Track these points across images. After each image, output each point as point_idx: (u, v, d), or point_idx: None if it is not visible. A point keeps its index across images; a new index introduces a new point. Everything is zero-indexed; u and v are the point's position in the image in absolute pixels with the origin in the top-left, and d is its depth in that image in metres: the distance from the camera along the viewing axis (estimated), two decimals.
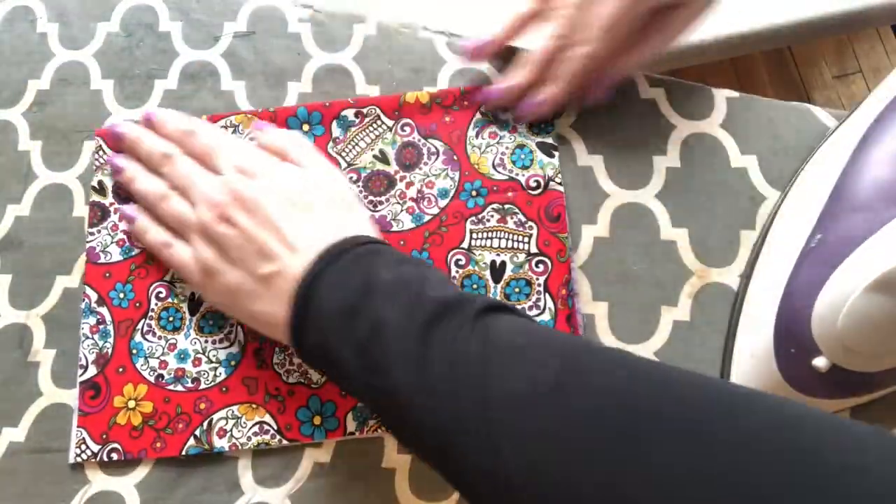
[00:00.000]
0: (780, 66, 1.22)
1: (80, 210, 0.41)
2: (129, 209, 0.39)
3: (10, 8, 0.45)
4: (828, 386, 0.33)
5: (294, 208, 0.33)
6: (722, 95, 0.41)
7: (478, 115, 0.40)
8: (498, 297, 0.37)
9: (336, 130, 0.40)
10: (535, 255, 0.38)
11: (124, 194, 0.40)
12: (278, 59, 0.42)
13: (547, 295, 0.37)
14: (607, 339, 0.37)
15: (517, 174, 0.39)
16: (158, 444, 0.36)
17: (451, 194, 0.39)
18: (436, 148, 0.39)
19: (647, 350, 0.37)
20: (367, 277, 0.30)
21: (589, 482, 0.22)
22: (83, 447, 0.36)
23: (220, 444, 0.36)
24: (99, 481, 0.36)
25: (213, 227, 0.34)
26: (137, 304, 0.38)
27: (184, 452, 0.36)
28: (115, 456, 0.36)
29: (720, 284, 0.38)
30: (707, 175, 0.39)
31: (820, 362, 0.31)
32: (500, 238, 0.38)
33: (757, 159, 0.39)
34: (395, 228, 0.38)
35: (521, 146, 0.39)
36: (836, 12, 0.64)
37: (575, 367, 0.25)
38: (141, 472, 0.36)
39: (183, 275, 0.36)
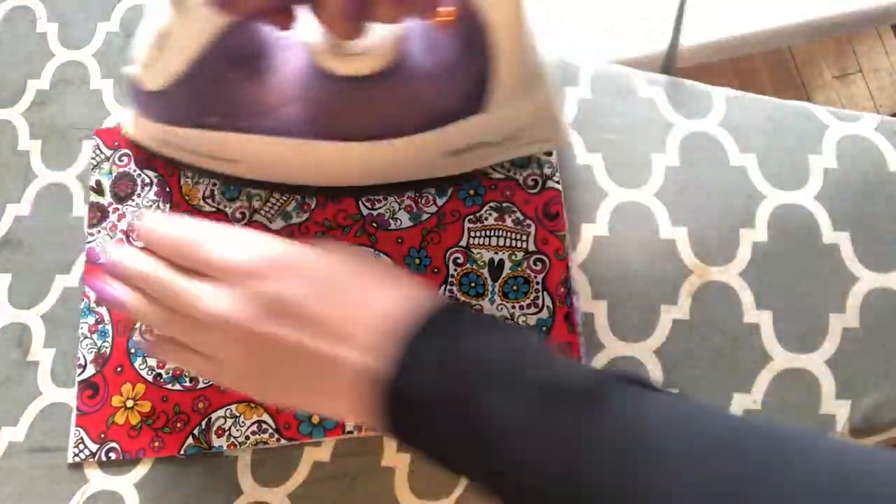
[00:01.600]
0: (780, 66, 1.22)
1: (80, 209, 0.41)
2: (146, 344, 0.34)
3: (10, 8, 0.45)
4: (155, 107, 0.35)
5: (332, 295, 0.29)
6: (721, 94, 0.41)
7: None
8: (496, 296, 0.37)
9: None
10: (533, 253, 0.37)
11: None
12: None
13: (545, 293, 0.37)
14: (607, 337, 0.37)
15: (515, 173, 0.39)
16: (157, 444, 0.36)
17: (449, 193, 0.39)
18: None
19: (646, 348, 0.37)
20: (460, 357, 0.26)
21: None
22: (81, 447, 0.36)
23: (219, 443, 0.36)
24: (98, 481, 0.36)
25: (251, 346, 0.29)
26: None
27: (182, 452, 0.36)
28: (113, 455, 0.36)
29: (719, 283, 0.37)
30: (706, 174, 0.39)
31: (128, 68, 0.33)
32: (498, 236, 0.38)
33: (756, 158, 0.39)
34: (393, 227, 0.38)
35: None
36: (836, 12, 0.64)
37: (752, 473, 0.22)
38: (140, 472, 0.36)
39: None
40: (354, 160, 0.35)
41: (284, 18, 0.29)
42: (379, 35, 0.32)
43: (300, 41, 0.33)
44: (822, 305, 0.37)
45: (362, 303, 0.29)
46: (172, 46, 0.31)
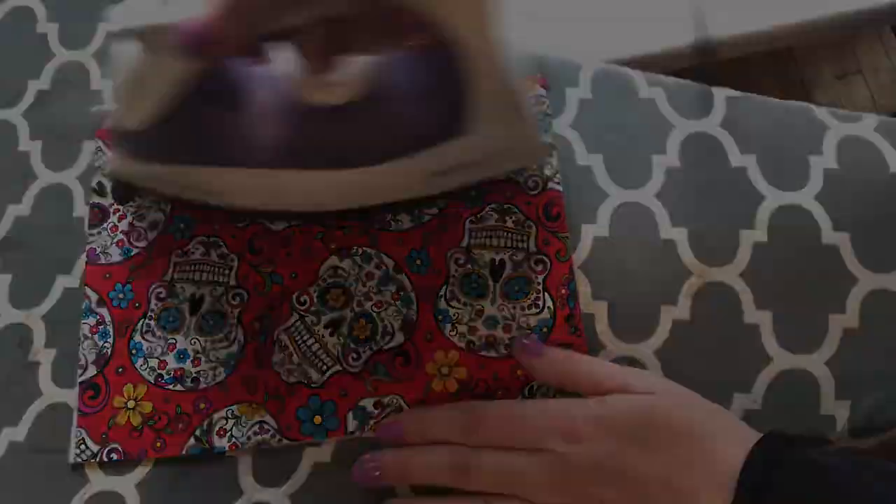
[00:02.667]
0: (780, 66, 1.22)
1: (80, 210, 0.41)
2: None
3: (10, 8, 0.45)
4: (136, 145, 0.35)
5: (657, 444, 0.29)
6: (721, 95, 0.41)
7: None
8: (497, 297, 0.37)
9: None
10: (534, 253, 0.38)
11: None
12: None
13: (546, 294, 0.37)
14: (607, 338, 0.37)
15: (516, 174, 0.39)
16: (158, 444, 0.36)
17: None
18: None
19: (647, 349, 0.37)
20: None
21: None
22: (83, 447, 0.36)
23: (221, 443, 0.36)
24: (99, 481, 0.36)
25: None
26: (137, 305, 0.38)
27: (184, 452, 0.36)
28: (114, 456, 0.36)
29: (720, 283, 0.37)
30: (706, 174, 0.39)
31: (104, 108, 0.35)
32: (499, 237, 0.38)
33: (756, 159, 0.39)
34: (393, 228, 0.38)
35: None
36: (835, 12, 0.64)
37: None
38: (141, 472, 0.36)
39: None
40: (335, 186, 0.36)
41: (262, 56, 0.30)
42: (355, 63, 0.33)
43: (275, 73, 0.34)
44: (822, 306, 0.37)
45: (695, 451, 0.29)
46: (147, 88, 0.32)
